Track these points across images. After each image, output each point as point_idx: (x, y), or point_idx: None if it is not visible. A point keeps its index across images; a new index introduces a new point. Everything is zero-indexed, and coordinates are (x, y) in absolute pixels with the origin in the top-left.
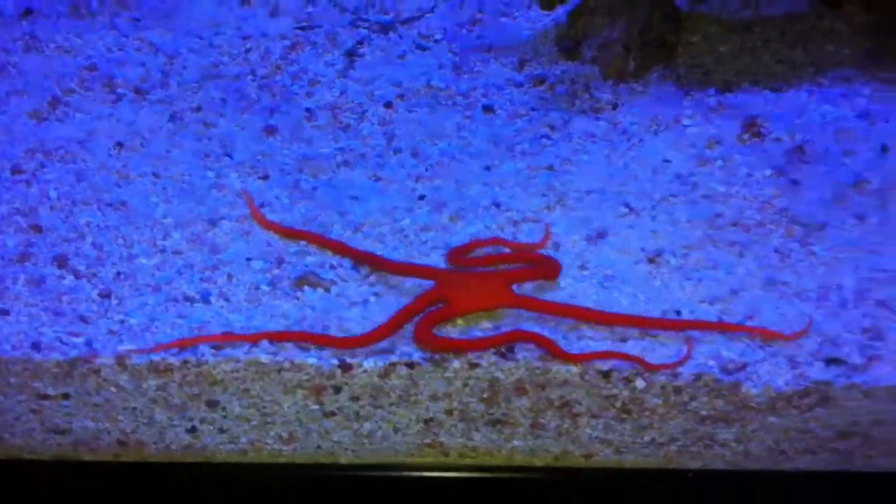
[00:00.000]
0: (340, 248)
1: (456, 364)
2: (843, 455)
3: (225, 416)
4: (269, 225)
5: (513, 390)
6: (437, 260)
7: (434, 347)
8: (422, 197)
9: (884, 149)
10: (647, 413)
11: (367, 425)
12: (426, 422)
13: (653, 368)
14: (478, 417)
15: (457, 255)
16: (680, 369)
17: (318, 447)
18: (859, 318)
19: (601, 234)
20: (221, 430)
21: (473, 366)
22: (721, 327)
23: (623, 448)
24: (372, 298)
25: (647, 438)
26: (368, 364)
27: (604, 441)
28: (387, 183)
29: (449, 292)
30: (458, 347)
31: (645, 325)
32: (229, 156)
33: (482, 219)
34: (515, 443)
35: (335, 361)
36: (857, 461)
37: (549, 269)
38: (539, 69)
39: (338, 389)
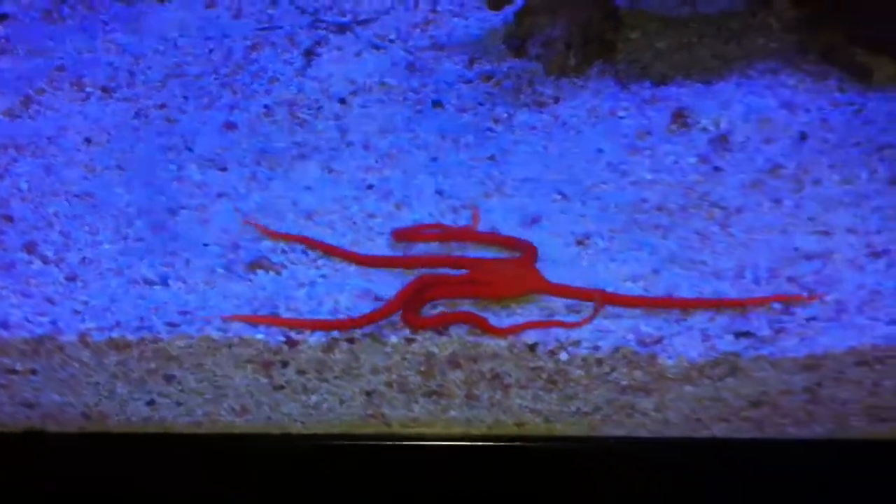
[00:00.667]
0: (355, 258)
1: (394, 339)
2: (755, 423)
3: (181, 390)
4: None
5: (447, 363)
6: (381, 244)
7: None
8: (370, 186)
9: (802, 136)
10: (571, 384)
11: (313, 398)
12: (368, 394)
13: (565, 326)
14: (416, 389)
15: (404, 235)
16: (600, 342)
17: (270, 419)
18: (769, 294)
19: (535, 220)
20: (178, 403)
21: (410, 341)
22: (749, 303)
23: (552, 417)
24: (319, 280)
25: (573, 408)
26: (312, 340)
27: (534, 410)
28: (338, 174)
29: (485, 278)
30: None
31: (675, 304)
32: (190, 149)
33: (425, 206)
34: (452, 413)
35: (282, 338)
36: (769, 429)
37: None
38: (488, 66)
39: (285, 364)
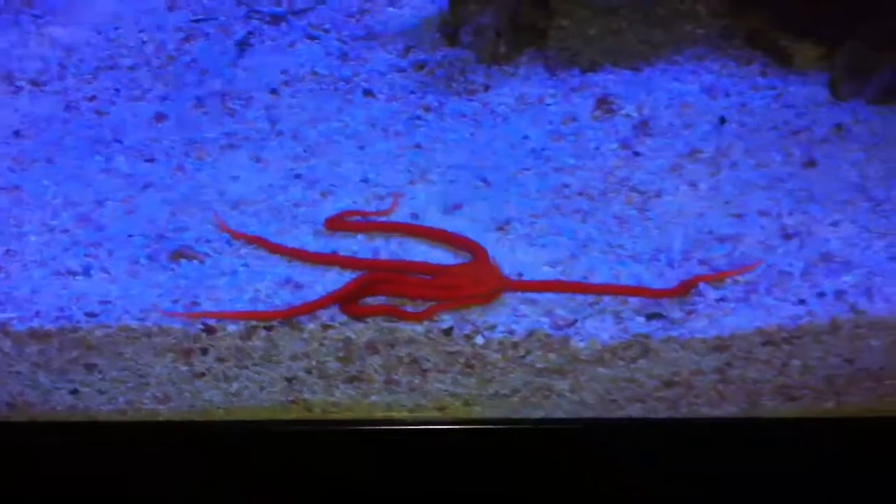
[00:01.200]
0: (317, 258)
1: (311, 326)
2: (669, 403)
3: (103, 379)
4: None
5: (365, 349)
6: (306, 232)
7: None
8: (297, 175)
9: (721, 121)
10: (489, 367)
11: (234, 385)
12: (289, 380)
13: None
14: (336, 375)
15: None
16: (514, 326)
17: (192, 406)
18: (683, 276)
19: (456, 206)
20: (101, 392)
21: (327, 327)
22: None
23: (471, 400)
24: (241, 269)
25: (491, 391)
26: (231, 328)
27: (453, 394)
28: (266, 163)
29: (450, 282)
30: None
31: (627, 292)
32: (119, 141)
33: (350, 194)
34: (373, 398)
35: (200, 325)
36: (683, 409)
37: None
38: (422, 55)
39: (205, 351)
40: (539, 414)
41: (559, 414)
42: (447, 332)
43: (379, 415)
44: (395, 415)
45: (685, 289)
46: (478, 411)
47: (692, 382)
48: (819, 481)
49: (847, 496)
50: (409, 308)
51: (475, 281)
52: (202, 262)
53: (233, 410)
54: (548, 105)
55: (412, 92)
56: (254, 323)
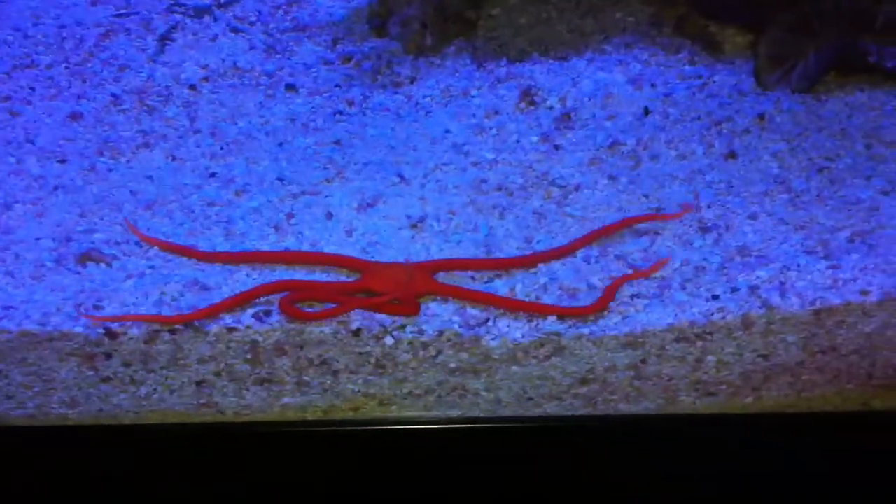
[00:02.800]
0: (243, 257)
1: (214, 328)
2: (586, 400)
3: (9, 384)
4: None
5: (273, 351)
6: (218, 234)
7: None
8: (213, 174)
9: (645, 112)
10: (401, 367)
11: (143, 389)
12: (198, 384)
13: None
14: (245, 377)
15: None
16: (425, 326)
17: (101, 410)
18: (598, 272)
19: (371, 203)
20: (9, 397)
21: (231, 329)
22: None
23: (386, 400)
24: (148, 271)
25: (405, 390)
26: (133, 332)
27: (367, 395)
28: (182, 162)
29: (374, 283)
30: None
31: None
32: (31, 142)
33: (265, 193)
34: (286, 400)
35: (101, 330)
36: (601, 406)
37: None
38: (350, 47)
39: (108, 356)
40: (455, 412)
41: (476, 412)
42: (356, 332)
43: (291, 416)
44: (308, 416)
45: (606, 302)
46: (394, 411)
47: (607, 379)
48: (740, 476)
49: (769, 492)
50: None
51: (400, 284)
52: (109, 264)
53: (143, 414)
54: (472, 98)
55: (337, 85)
56: (156, 327)
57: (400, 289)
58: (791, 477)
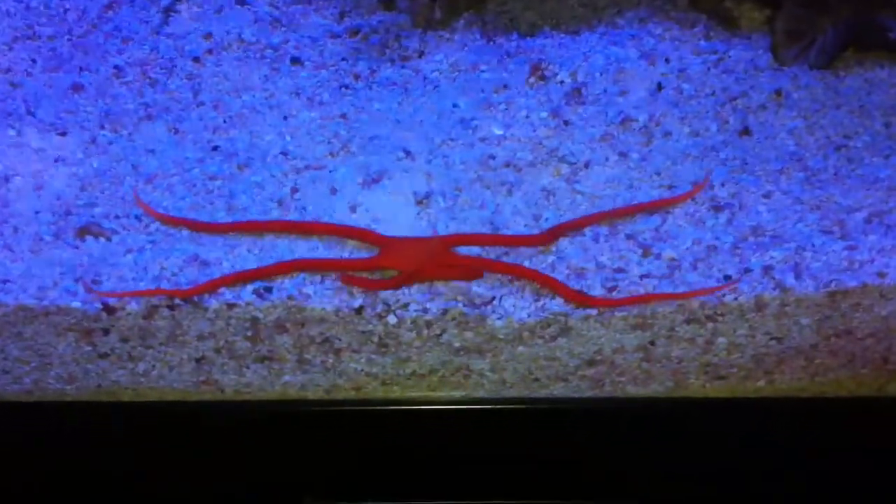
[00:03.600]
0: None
1: (215, 304)
2: (594, 382)
3: (5, 359)
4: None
5: (274, 328)
6: (220, 207)
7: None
8: (216, 148)
9: (658, 87)
10: (404, 346)
11: (141, 365)
12: (198, 360)
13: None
14: (246, 355)
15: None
16: (429, 305)
17: (99, 386)
18: (607, 251)
19: (376, 179)
20: (5, 372)
21: (231, 306)
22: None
23: (388, 380)
24: (148, 246)
25: (409, 370)
26: (132, 306)
27: (369, 374)
28: (184, 135)
29: (393, 260)
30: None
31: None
32: (32, 114)
33: (268, 167)
34: (286, 378)
35: (99, 305)
36: (609, 387)
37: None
38: (357, 20)
39: (106, 331)
40: (459, 393)
41: (480, 393)
42: (359, 310)
43: (293, 394)
44: (310, 395)
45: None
46: (396, 391)
47: (615, 361)
48: (751, 461)
49: (781, 476)
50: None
51: (422, 256)
52: (109, 238)
53: (142, 391)
54: (481, 72)
55: (344, 59)
56: (155, 301)
57: (420, 265)
58: (801, 462)
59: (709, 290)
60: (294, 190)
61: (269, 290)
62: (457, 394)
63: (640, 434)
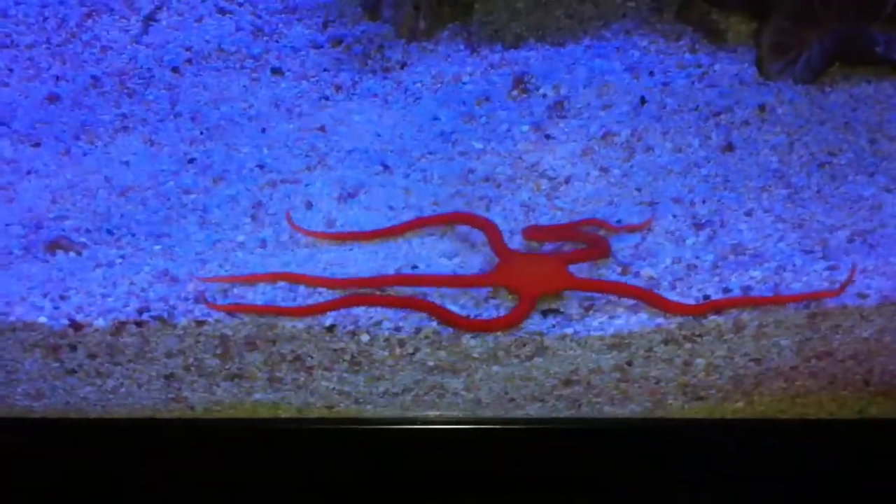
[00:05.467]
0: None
1: (183, 321)
2: (570, 402)
3: None
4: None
5: (244, 345)
6: (193, 222)
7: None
8: (191, 160)
9: (642, 101)
10: (376, 365)
11: (109, 382)
12: (167, 378)
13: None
14: (216, 372)
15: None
16: (401, 323)
17: (67, 403)
18: (585, 269)
19: (352, 193)
20: None
21: (200, 323)
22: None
23: (361, 399)
24: (118, 261)
25: (381, 389)
26: (99, 323)
27: (342, 392)
28: (160, 147)
29: (510, 281)
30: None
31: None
32: (6, 124)
33: (244, 180)
34: (257, 396)
35: (66, 321)
36: (586, 408)
37: (602, 249)
38: (341, 29)
39: (73, 348)
40: (433, 412)
41: (455, 413)
42: (330, 328)
43: (263, 413)
44: (281, 413)
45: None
46: (369, 410)
47: (592, 381)
48: (730, 482)
49: (760, 498)
50: None
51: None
52: (79, 253)
53: (111, 408)
54: (464, 84)
55: (326, 69)
56: (122, 318)
57: (537, 287)
58: (780, 484)
59: (813, 295)
60: (267, 204)
61: None
62: (431, 413)
63: (618, 455)
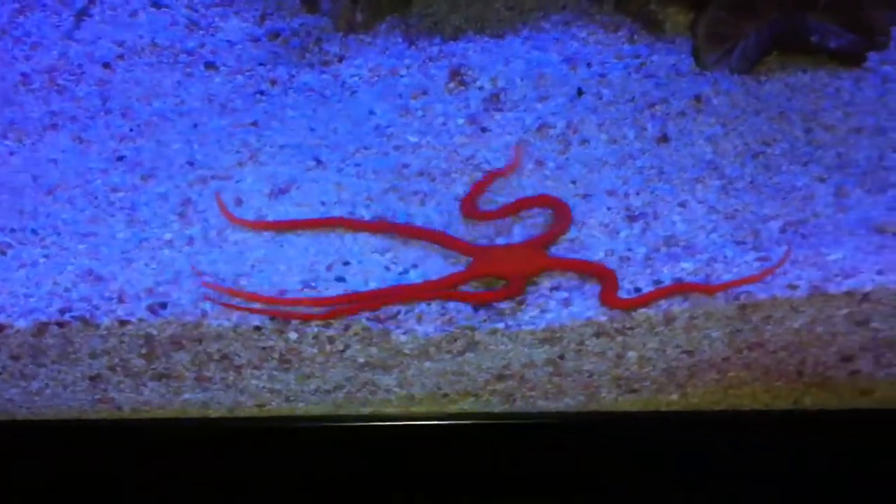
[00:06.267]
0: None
1: (106, 321)
2: (504, 396)
3: None
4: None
5: (170, 345)
6: (121, 220)
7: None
8: (121, 158)
9: (579, 93)
10: (306, 362)
11: (34, 383)
12: (92, 379)
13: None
14: (142, 372)
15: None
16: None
17: None
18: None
19: (284, 189)
20: None
21: (124, 323)
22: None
23: (292, 397)
24: (42, 260)
25: (312, 386)
26: (20, 324)
27: (272, 391)
28: (89, 144)
29: (491, 268)
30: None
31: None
32: None
33: (173, 178)
34: (186, 396)
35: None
36: (520, 403)
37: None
38: (279, 22)
39: None
40: (366, 410)
41: (388, 409)
42: (257, 327)
43: (193, 413)
44: (211, 413)
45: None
46: (302, 408)
47: (525, 375)
48: (666, 474)
49: (697, 490)
50: None
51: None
52: (3, 253)
53: (37, 410)
54: (401, 77)
55: (262, 63)
56: (44, 319)
57: (518, 269)
58: (717, 475)
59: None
60: (196, 201)
61: (163, 305)
62: (364, 410)
63: (554, 448)
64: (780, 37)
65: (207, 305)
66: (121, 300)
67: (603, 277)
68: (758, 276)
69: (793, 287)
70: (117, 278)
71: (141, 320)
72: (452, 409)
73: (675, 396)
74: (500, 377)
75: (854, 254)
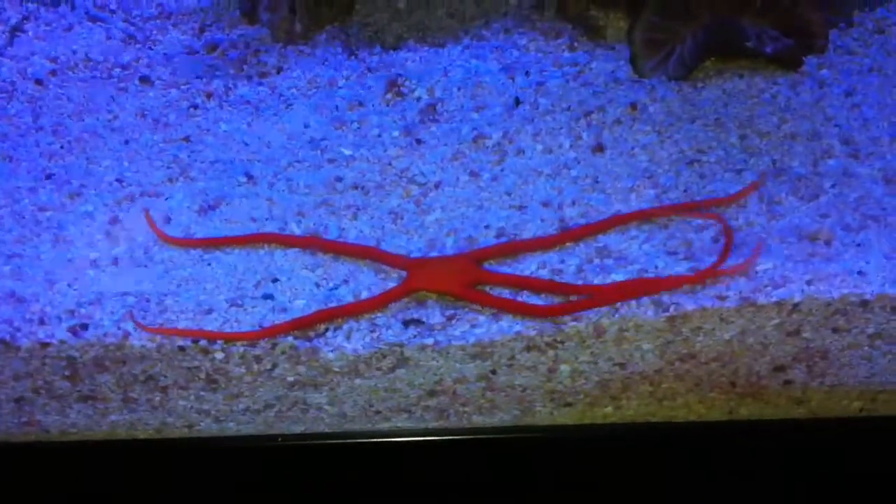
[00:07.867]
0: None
1: (27, 343)
2: (437, 412)
3: None
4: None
5: (93, 367)
6: (47, 240)
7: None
8: (49, 176)
9: (516, 102)
10: (234, 382)
11: None
12: (17, 401)
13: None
14: (67, 395)
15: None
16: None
17: None
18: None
19: (213, 206)
20: None
21: (45, 345)
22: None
23: (222, 417)
24: None
25: (242, 406)
26: None
27: (201, 411)
28: (18, 163)
29: (423, 282)
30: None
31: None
32: None
33: (101, 195)
34: (113, 417)
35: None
36: (454, 418)
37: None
38: (218, 34)
39: None
40: (298, 428)
41: (321, 427)
42: (181, 347)
43: (122, 434)
44: (140, 435)
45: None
46: (232, 427)
47: (457, 391)
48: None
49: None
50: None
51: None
52: None
53: None
54: (338, 88)
55: (198, 77)
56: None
57: (453, 283)
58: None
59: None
60: (123, 220)
61: (84, 327)
62: (297, 429)
63: (490, 463)
64: (716, 41)
65: (129, 326)
66: (42, 322)
67: (538, 291)
68: (742, 265)
69: (722, 298)
70: (39, 300)
71: (62, 342)
72: (385, 426)
73: (609, 409)
74: (432, 393)
75: (784, 263)
